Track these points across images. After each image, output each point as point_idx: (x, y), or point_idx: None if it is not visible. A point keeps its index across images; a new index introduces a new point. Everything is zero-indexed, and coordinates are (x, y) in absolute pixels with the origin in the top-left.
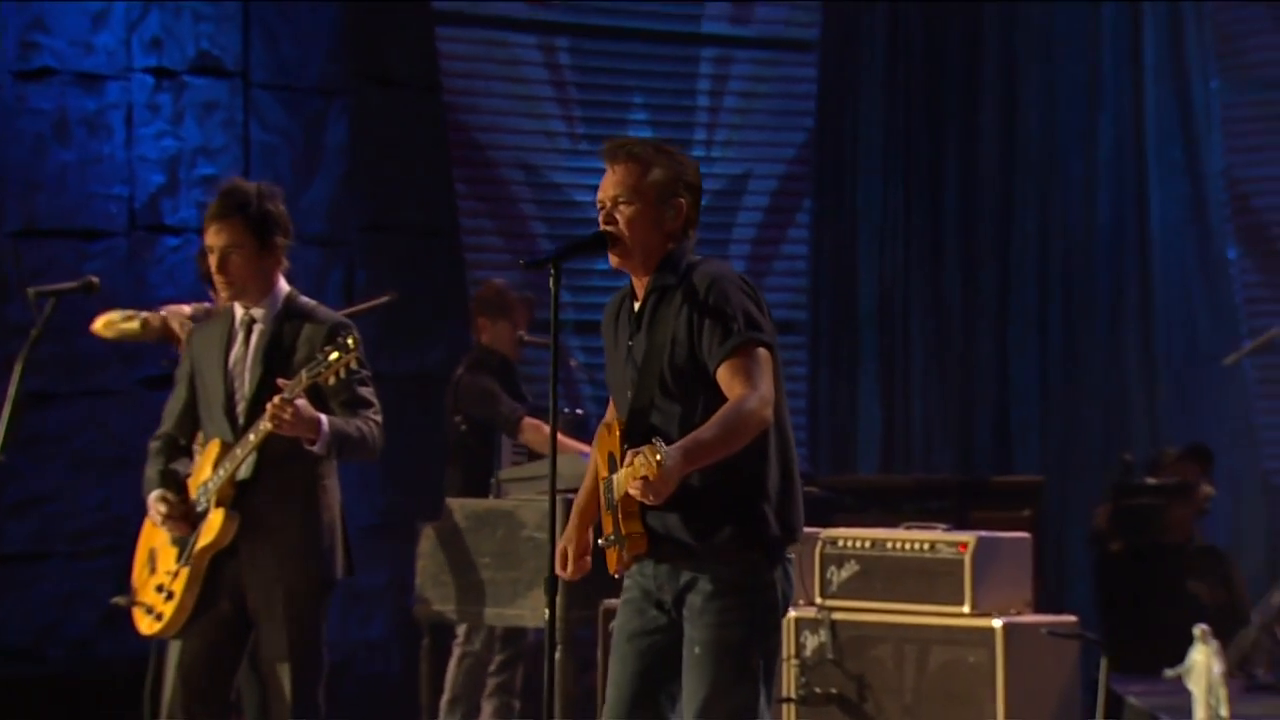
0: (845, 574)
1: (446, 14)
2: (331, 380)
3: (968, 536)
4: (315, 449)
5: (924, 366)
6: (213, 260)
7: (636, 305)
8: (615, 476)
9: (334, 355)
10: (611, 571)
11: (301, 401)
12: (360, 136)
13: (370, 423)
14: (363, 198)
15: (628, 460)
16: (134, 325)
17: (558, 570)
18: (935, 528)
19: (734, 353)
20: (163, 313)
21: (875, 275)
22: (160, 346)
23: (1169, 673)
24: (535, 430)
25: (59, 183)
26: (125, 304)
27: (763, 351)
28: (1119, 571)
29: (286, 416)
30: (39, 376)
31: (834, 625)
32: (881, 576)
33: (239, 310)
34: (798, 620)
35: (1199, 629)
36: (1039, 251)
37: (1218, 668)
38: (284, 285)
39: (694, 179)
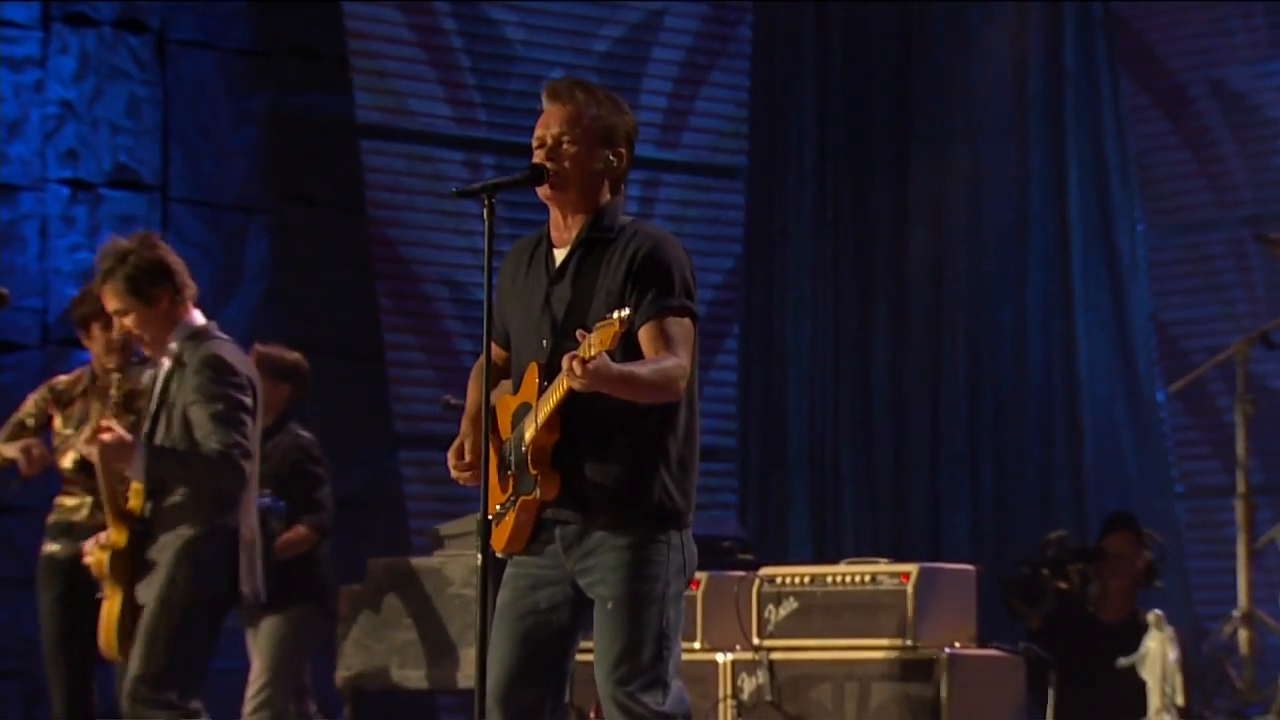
0: (784, 612)
1: (371, 128)
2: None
3: (910, 567)
4: (131, 475)
5: (855, 509)
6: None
7: (558, 253)
8: (524, 423)
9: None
10: (498, 549)
11: (110, 435)
12: (281, 254)
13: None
14: (282, 316)
15: (585, 335)
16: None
17: (456, 469)
18: (877, 562)
19: (665, 313)
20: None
21: (805, 417)
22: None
23: (1122, 661)
24: None
25: None
26: None
27: (689, 323)
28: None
29: (94, 448)
30: None
31: (772, 666)
32: (821, 613)
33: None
34: (735, 663)
35: (1153, 614)
36: (969, 397)
37: (1172, 654)
38: (192, 321)
39: (633, 134)
